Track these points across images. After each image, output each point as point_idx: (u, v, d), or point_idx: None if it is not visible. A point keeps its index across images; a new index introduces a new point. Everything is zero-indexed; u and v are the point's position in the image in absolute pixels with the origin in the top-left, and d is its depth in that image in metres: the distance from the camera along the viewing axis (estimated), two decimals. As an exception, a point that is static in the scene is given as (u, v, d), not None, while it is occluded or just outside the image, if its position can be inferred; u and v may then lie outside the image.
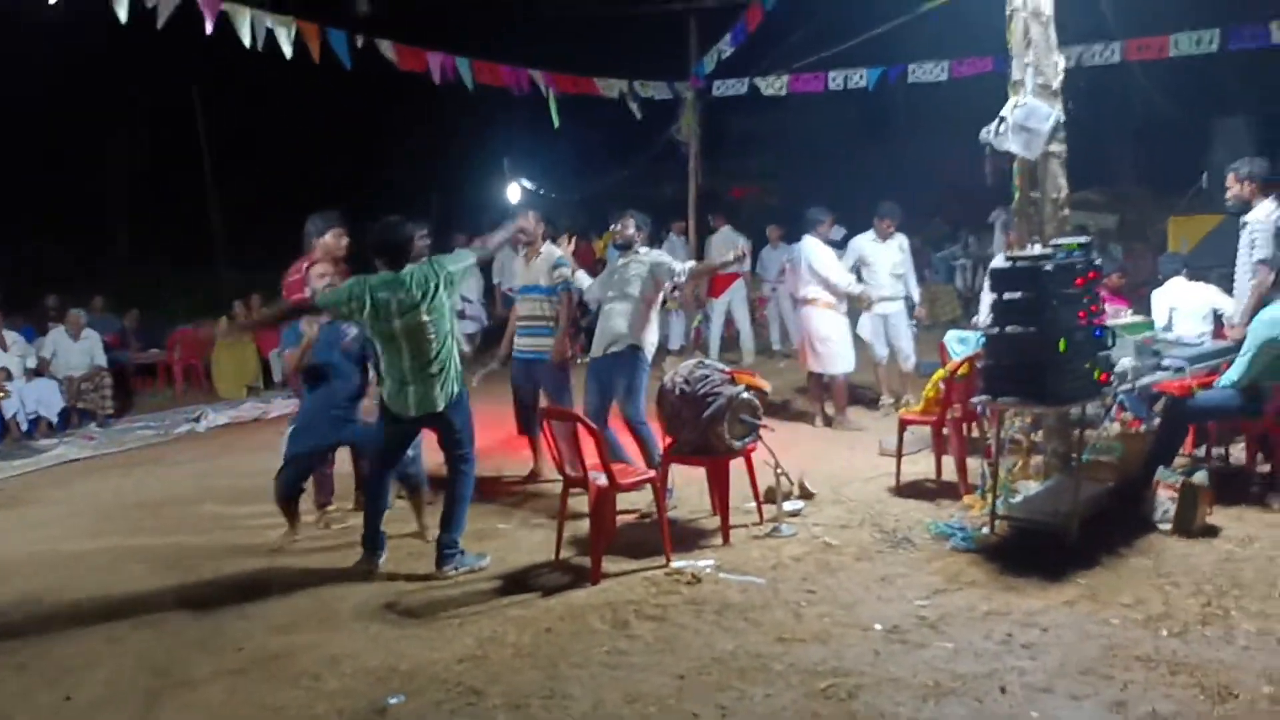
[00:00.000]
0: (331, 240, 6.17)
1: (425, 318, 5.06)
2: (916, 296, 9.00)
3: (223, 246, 22.77)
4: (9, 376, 10.22)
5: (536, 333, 6.76)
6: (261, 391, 12.71)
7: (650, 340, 6.37)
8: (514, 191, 19.15)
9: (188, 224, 23.06)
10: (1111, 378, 5.35)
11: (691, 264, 6.40)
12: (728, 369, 5.80)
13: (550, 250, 6.77)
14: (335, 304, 5.12)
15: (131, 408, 12.02)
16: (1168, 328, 7.10)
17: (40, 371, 10.64)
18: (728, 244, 11.87)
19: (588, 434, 5.22)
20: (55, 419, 10.59)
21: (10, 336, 10.48)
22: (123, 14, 5.70)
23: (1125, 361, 5.61)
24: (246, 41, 6.73)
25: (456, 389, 5.21)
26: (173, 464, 9.04)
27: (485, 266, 13.18)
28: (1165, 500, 5.38)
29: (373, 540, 5.43)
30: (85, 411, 11.13)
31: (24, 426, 10.35)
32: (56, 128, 21.14)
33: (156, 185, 23.86)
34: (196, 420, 10.88)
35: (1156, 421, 6.14)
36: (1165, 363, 5.89)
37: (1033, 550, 5.10)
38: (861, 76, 11.04)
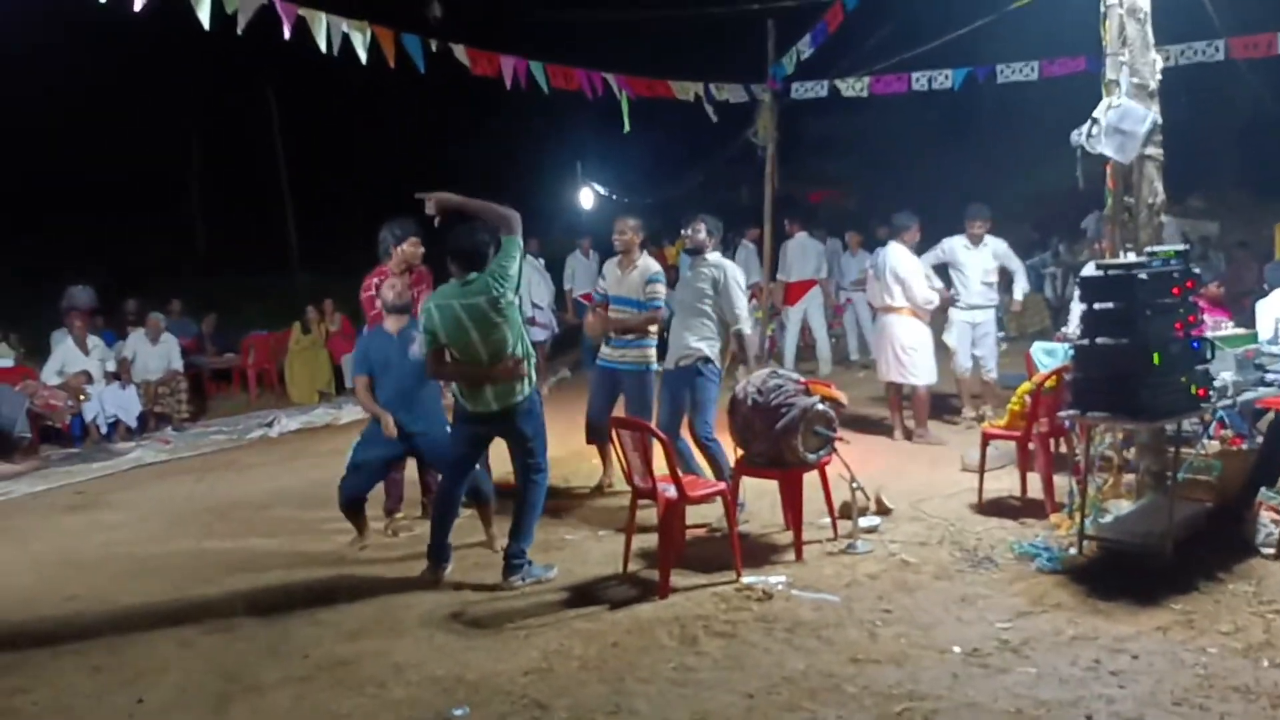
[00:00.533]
0: (409, 249, 6.31)
1: (495, 318, 5.13)
2: (1026, 286, 9.13)
3: (297, 251, 23.35)
4: (90, 380, 10.59)
5: (625, 344, 6.77)
6: (333, 397, 12.97)
7: (721, 349, 6.38)
8: (586, 197, 19.31)
9: (264, 228, 23.70)
10: (1210, 392, 5.19)
11: (747, 326, 6.32)
12: (802, 379, 5.78)
13: (647, 264, 6.77)
14: (429, 342, 5.27)
15: (206, 412, 12.37)
16: (1273, 340, 6.86)
17: (119, 375, 11.02)
18: (804, 251, 11.80)
19: (659, 445, 5.24)
20: (133, 423, 10.95)
21: (92, 341, 10.86)
22: (205, 19, 5.87)
23: (1225, 375, 5.44)
24: (323, 46, 6.89)
25: (529, 390, 5.27)
26: (245, 468, 9.29)
27: (555, 271, 13.31)
28: (1268, 523, 5.21)
29: (439, 551, 5.51)
30: (162, 415, 11.49)
31: (103, 429, 10.71)
32: (137, 127, 21.82)
33: (234, 189, 24.55)
34: (269, 425, 11.15)
35: (1259, 439, 5.94)
36: (1269, 377, 5.70)
37: (1123, 573, 4.97)
38: (947, 77, 10.87)
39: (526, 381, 5.27)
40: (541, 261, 12.86)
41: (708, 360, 6.30)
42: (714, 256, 6.44)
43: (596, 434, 7.00)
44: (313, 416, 11.58)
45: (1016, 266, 8.71)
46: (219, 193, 24.90)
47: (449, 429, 5.75)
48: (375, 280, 6.28)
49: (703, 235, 6.43)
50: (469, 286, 5.19)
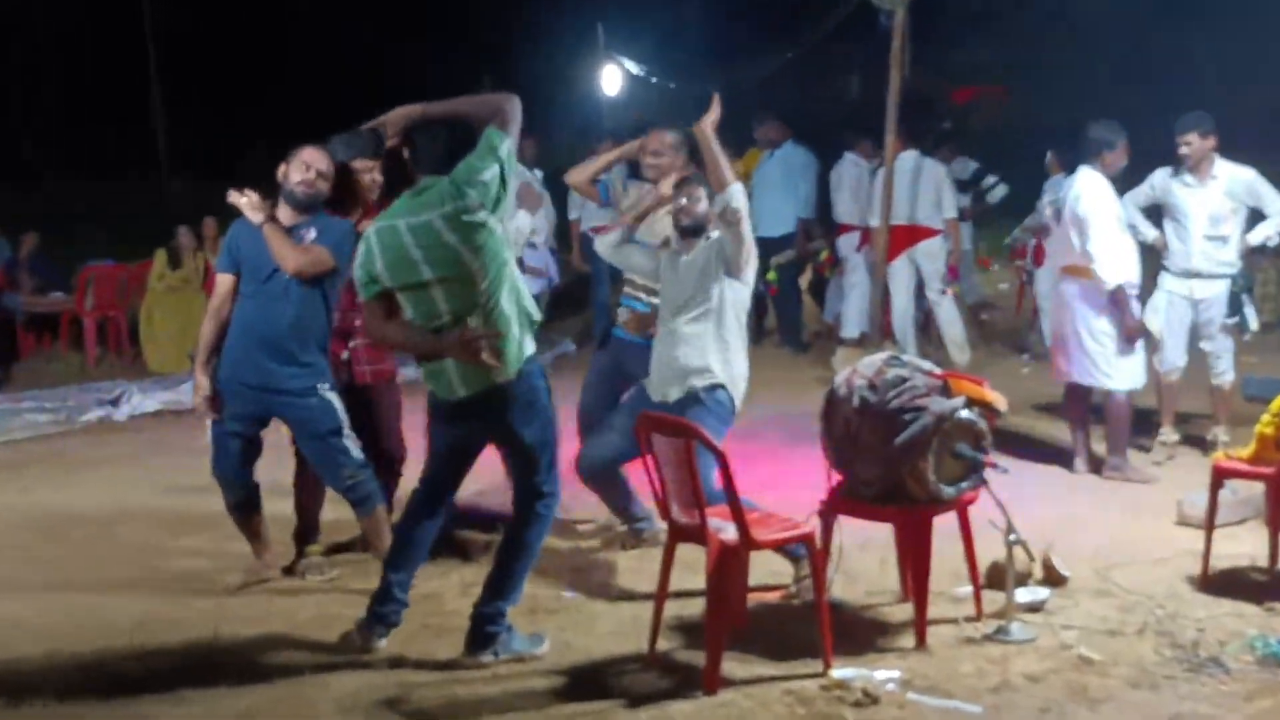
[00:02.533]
0: (364, 178, 6.39)
1: (458, 246, 5.11)
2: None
3: (166, 148, 23.48)
4: None
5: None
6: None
7: (740, 373, 6.43)
8: (611, 77, 19.26)
9: (120, 116, 23.89)
10: None
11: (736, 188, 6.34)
12: (938, 370, 5.75)
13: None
14: (365, 287, 5.34)
15: (13, 379, 12.46)
16: None
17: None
18: (916, 179, 11.64)
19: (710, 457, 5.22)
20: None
21: None
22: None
23: None
24: None
25: (521, 361, 5.25)
26: (78, 466, 9.34)
27: (558, 194, 13.28)
28: None
29: (382, 606, 5.54)
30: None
31: None
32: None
33: (79, 61, 24.78)
34: (114, 403, 11.24)
35: None
36: None
37: None
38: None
39: (515, 348, 5.24)
40: (539, 174, 12.84)
41: (715, 387, 6.33)
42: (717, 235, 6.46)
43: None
44: (181, 393, 11.60)
45: (1275, 211, 8.56)
46: (57, 66, 25.09)
47: (332, 400, 5.99)
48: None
49: (703, 207, 6.42)
50: (420, 197, 5.19)
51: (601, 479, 6.80)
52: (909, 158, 11.59)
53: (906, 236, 11.67)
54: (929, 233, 11.72)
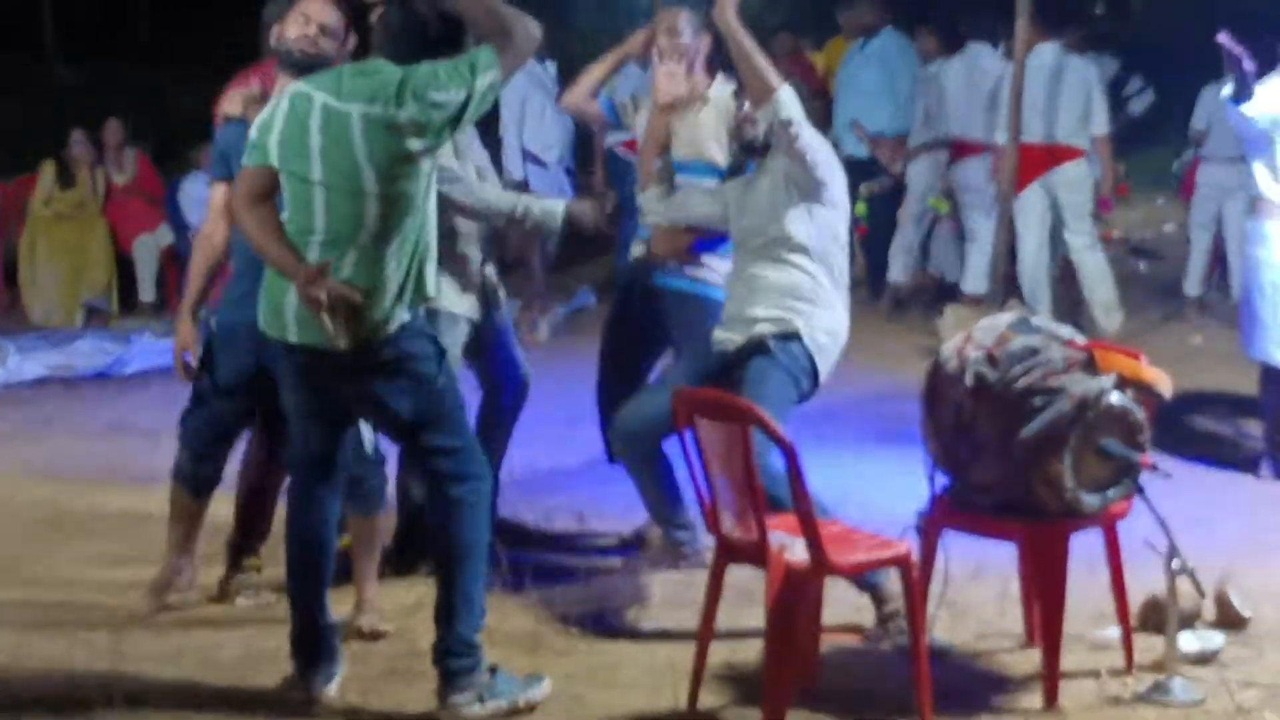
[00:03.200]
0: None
1: (375, 154, 5.16)
2: None
3: (53, 24, 23.55)
4: None
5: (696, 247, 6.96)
6: (115, 317, 13.10)
7: (827, 326, 6.47)
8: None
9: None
10: None
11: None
12: (1080, 339, 5.75)
13: (723, 98, 6.95)
14: (251, 153, 5.41)
15: None
16: None
17: None
18: (1057, 80, 11.58)
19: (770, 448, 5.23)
20: None
21: None
22: None
23: None
24: None
25: (395, 313, 5.28)
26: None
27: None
28: None
29: (314, 645, 5.58)
30: None
31: None
32: None
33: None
34: (-14, 364, 11.36)
35: None
36: None
37: None
38: None
39: (374, 318, 5.26)
40: (551, 68, 12.84)
41: (789, 336, 6.36)
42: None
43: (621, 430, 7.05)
44: (72, 353, 11.68)
45: None
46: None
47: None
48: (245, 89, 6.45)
49: (760, 129, 6.42)
50: (357, 80, 5.25)
51: (639, 455, 6.83)
52: (1048, 52, 11.54)
53: (1042, 159, 11.62)
54: (1072, 154, 11.68)
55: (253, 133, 5.39)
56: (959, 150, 12.53)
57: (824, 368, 6.44)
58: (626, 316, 7.27)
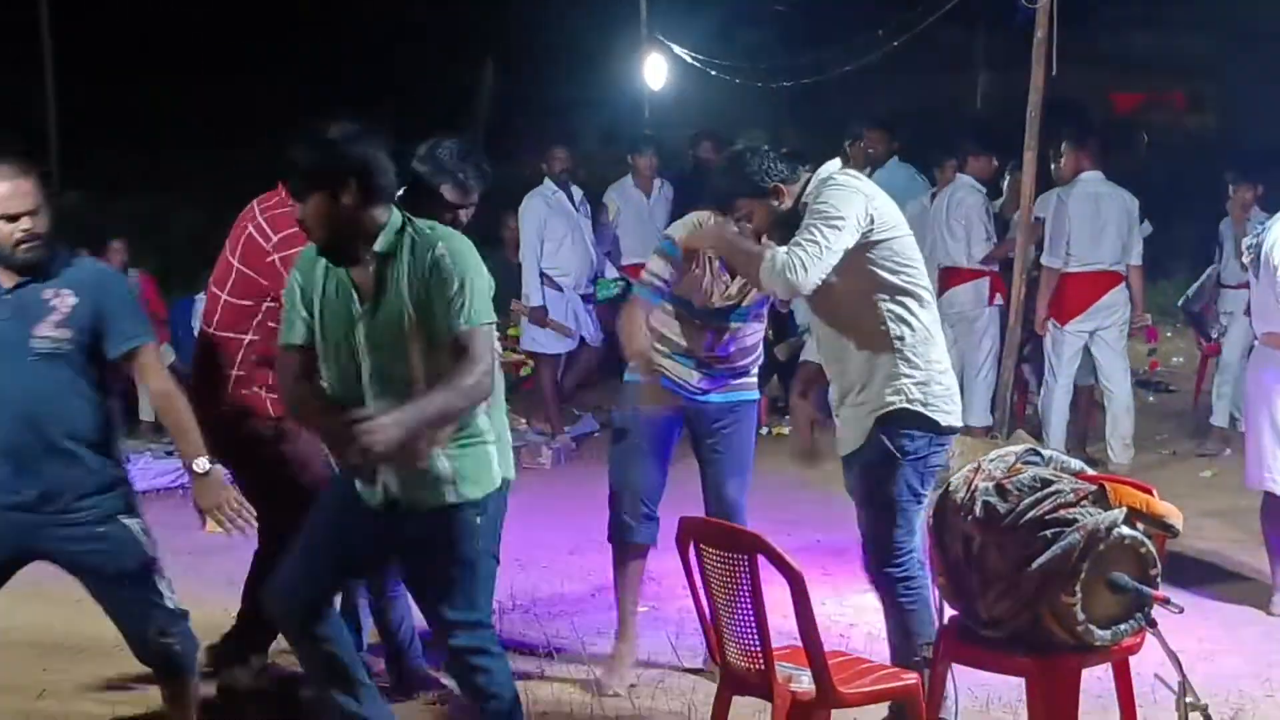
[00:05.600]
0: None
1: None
2: None
3: (58, 154, 23.92)
4: None
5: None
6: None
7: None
8: (656, 67, 19.41)
9: (6, 121, 24.50)
10: None
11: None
12: (1089, 472, 5.75)
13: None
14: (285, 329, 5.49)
15: None
16: None
17: None
18: (1098, 209, 11.64)
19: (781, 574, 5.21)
20: None
21: None
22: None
23: None
24: None
25: (486, 473, 5.39)
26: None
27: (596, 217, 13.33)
28: None
29: None
30: None
31: None
32: None
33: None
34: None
35: None
36: None
37: None
38: None
39: (478, 454, 5.32)
40: (579, 192, 12.87)
41: (906, 418, 6.23)
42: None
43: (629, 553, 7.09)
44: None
45: None
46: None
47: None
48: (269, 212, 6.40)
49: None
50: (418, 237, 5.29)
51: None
52: (1091, 181, 11.60)
53: (1091, 287, 11.63)
54: (1116, 280, 11.73)
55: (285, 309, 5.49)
56: (950, 278, 12.45)
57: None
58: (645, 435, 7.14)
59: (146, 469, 11.52)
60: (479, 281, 5.22)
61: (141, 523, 5.80)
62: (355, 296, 5.24)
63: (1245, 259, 8.90)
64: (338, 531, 5.49)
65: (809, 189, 6.20)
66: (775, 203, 6.16)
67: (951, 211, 12.24)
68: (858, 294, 6.16)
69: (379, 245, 5.20)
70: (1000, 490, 5.53)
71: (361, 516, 5.40)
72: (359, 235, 5.20)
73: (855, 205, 6.01)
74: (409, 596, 6.13)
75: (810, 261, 5.91)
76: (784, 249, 6.00)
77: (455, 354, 5.15)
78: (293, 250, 5.86)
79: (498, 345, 5.42)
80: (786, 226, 6.14)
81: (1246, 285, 11.56)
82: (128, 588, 5.76)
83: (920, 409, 6.15)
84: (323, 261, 5.28)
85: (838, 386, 6.37)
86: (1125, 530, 5.44)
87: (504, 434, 5.57)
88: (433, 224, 5.38)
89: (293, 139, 5.27)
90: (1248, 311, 11.52)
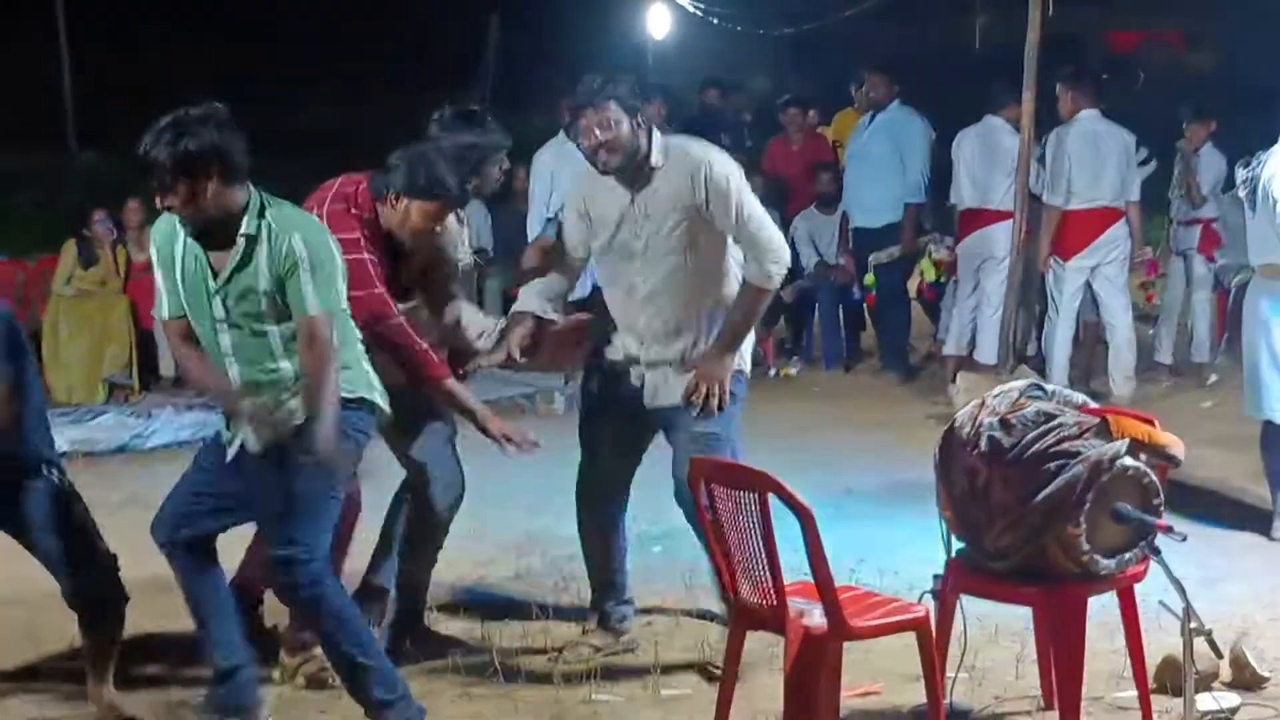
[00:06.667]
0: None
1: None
2: None
3: (73, 113, 23.73)
4: None
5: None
6: (135, 392, 13.08)
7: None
8: (659, 17, 19.32)
9: (20, 80, 24.27)
10: None
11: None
12: (1091, 404, 5.75)
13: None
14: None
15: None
16: None
17: None
18: (1096, 149, 11.63)
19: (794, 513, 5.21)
20: None
21: None
22: None
23: None
24: None
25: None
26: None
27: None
28: None
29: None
30: None
31: None
32: None
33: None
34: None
35: None
36: None
37: None
38: None
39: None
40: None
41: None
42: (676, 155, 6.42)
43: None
44: (95, 428, 11.69)
45: None
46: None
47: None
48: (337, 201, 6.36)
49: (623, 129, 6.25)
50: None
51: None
52: (1089, 119, 11.61)
53: (1091, 224, 11.65)
54: (1116, 216, 11.77)
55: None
56: (977, 219, 12.45)
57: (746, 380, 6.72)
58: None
59: (169, 422, 11.64)
60: (330, 266, 5.38)
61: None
62: (210, 272, 5.36)
63: (1241, 192, 8.92)
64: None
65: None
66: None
67: (986, 154, 12.34)
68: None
69: (247, 228, 5.32)
70: (1005, 425, 5.51)
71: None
72: (228, 216, 5.31)
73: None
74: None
75: (770, 239, 6.31)
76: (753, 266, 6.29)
77: (304, 335, 5.35)
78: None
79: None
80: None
81: (1193, 222, 12.45)
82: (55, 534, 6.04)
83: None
84: (181, 235, 5.38)
85: (673, 342, 6.47)
86: (1128, 461, 5.44)
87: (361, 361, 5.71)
88: (290, 207, 5.53)
89: (147, 133, 5.32)
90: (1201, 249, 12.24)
